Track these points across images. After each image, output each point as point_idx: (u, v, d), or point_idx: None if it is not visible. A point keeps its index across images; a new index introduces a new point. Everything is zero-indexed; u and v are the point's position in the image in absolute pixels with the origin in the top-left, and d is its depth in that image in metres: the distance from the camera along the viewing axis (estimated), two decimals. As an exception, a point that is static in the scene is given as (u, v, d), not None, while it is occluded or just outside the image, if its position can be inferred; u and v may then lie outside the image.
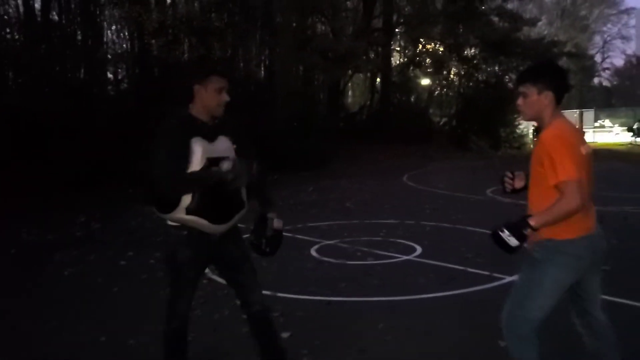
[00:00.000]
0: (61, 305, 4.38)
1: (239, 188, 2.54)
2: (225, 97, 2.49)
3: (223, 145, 2.49)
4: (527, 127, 27.96)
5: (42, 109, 10.96)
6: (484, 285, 4.64)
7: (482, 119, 24.02)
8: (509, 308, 2.33)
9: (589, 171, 2.26)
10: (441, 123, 26.70)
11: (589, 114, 32.32)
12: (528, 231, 2.16)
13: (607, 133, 31.84)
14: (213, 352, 2.75)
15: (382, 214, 8.47)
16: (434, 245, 6.21)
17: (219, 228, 2.48)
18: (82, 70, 15.42)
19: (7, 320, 4.11)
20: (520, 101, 2.29)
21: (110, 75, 16.60)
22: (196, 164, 2.39)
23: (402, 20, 24.45)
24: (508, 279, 4.77)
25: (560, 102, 2.28)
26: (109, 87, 16.33)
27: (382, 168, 16.70)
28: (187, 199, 2.37)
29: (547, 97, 2.23)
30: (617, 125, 32.68)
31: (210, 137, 2.45)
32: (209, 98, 2.47)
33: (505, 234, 2.19)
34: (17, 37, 14.10)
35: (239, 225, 2.67)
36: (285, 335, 3.32)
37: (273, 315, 2.83)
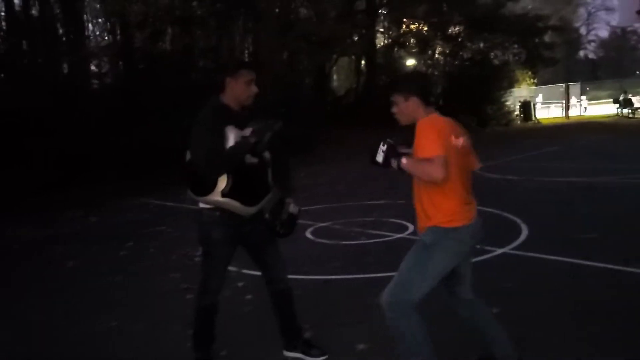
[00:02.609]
0: (69, 295, 4.52)
1: (266, 173, 2.76)
2: (254, 89, 2.72)
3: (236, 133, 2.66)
4: (514, 104, 28.21)
5: (31, 106, 10.92)
6: (476, 258, 4.73)
7: (468, 96, 24.13)
8: (392, 287, 2.45)
9: (463, 163, 2.45)
10: (428, 103, 26.80)
11: (575, 88, 32.58)
12: (394, 163, 2.36)
13: (595, 106, 32.21)
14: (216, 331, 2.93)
15: (373, 195, 8.62)
16: (426, 223, 6.36)
17: (250, 210, 2.70)
18: (65, 65, 15.32)
19: (19, 311, 4.24)
20: (394, 109, 2.53)
21: (93, 68, 16.48)
22: None
23: (385, 1, 24.37)
24: (499, 251, 4.96)
25: (428, 103, 2.49)
26: (94, 82, 16.23)
27: (372, 150, 16.78)
28: (222, 184, 2.58)
29: (414, 101, 2.45)
30: (586, 98, 33.21)
31: (241, 126, 2.63)
32: (239, 90, 2.69)
33: (382, 147, 2.41)
34: (-2, 34, 13.97)
35: None
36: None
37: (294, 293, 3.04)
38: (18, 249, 6.40)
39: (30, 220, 7.89)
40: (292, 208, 2.88)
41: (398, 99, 2.49)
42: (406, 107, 2.47)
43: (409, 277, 2.41)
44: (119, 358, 3.31)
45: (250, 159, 2.63)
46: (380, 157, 2.41)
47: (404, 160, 2.33)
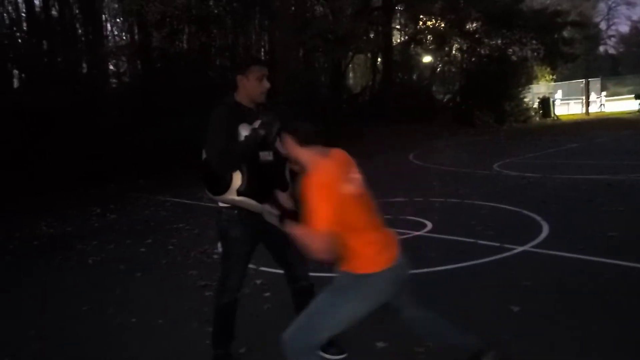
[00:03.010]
0: (89, 291, 4.58)
1: (283, 170, 2.74)
2: (266, 84, 2.69)
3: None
4: (532, 100, 27.87)
5: (50, 106, 11.09)
6: (495, 256, 4.76)
7: (486, 93, 23.92)
8: (297, 328, 2.22)
9: (366, 200, 2.21)
10: (445, 100, 26.61)
11: (595, 83, 32.08)
12: (282, 223, 2.26)
13: (615, 102, 31.59)
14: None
15: (390, 193, 8.57)
16: (444, 221, 6.32)
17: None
18: (85, 65, 15.54)
19: (39, 305, 4.32)
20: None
21: (111, 68, 16.69)
22: None
23: (401, -2, 24.24)
24: (519, 249, 4.90)
25: (307, 143, 2.23)
26: (113, 81, 16.45)
27: (387, 147, 16.76)
28: (237, 182, 2.58)
29: (287, 139, 2.24)
30: (605, 94, 32.52)
31: (254, 123, 2.63)
32: (251, 86, 2.67)
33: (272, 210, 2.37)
34: (18, 34, 14.19)
35: None
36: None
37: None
38: (37, 245, 6.50)
39: (49, 218, 8.00)
40: None
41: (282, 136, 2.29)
42: (285, 148, 2.25)
43: (318, 320, 2.19)
44: (137, 354, 3.34)
45: (266, 157, 2.63)
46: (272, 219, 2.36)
47: (289, 227, 2.17)
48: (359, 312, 2.21)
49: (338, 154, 2.26)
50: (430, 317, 2.49)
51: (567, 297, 3.71)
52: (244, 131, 2.59)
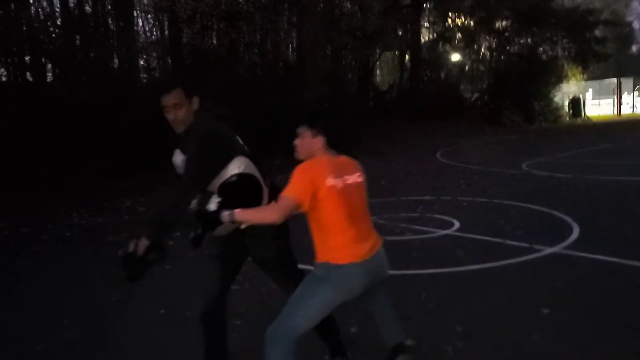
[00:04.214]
0: (119, 282, 4.62)
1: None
2: (168, 116, 2.68)
3: (179, 157, 2.67)
4: (562, 100, 27.33)
5: (84, 99, 11.32)
6: (524, 257, 4.70)
7: (515, 92, 23.58)
8: (276, 321, 2.35)
9: (352, 200, 2.34)
10: (472, 98, 26.29)
11: (627, 83, 31.32)
12: (225, 216, 2.32)
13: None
14: (262, 324, 2.94)
15: (417, 191, 8.53)
16: (472, 220, 6.26)
17: (220, 230, 2.58)
18: (116, 60, 15.80)
19: (71, 296, 4.43)
20: (297, 140, 2.48)
21: (142, 63, 16.93)
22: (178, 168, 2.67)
23: (430, -5, 24.04)
24: (549, 250, 4.83)
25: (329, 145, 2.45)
26: (143, 76, 16.70)
27: (414, 145, 16.65)
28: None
29: (319, 141, 2.42)
30: (638, 94, 31.59)
31: (183, 149, 2.66)
32: None
33: (215, 200, 2.42)
34: (52, 29, 14.51)
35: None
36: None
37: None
38: (69, 236, 6.65)
39: (80, 209, 8.18)
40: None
41: (307, 133, 2.44)
42: (311, 144, 2.43)
43: (295, 306, 2.35)
44: (167, 345, 3.40)
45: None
46: (213, 206, 2.40)
47: (237, 211, 2.30)
48: (331, 300, 2.35)
49: (338, 158, 2.44)
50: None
51: (598, 299, 3.64)
52: (177, 156, 2.65)
